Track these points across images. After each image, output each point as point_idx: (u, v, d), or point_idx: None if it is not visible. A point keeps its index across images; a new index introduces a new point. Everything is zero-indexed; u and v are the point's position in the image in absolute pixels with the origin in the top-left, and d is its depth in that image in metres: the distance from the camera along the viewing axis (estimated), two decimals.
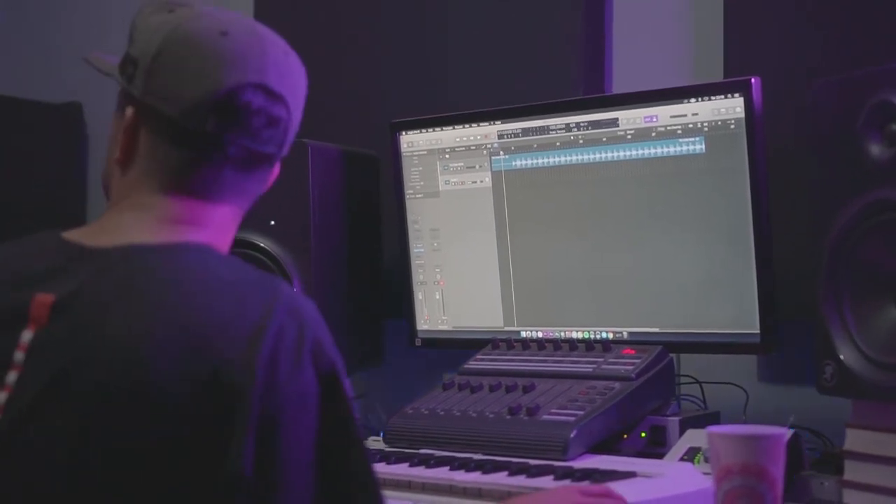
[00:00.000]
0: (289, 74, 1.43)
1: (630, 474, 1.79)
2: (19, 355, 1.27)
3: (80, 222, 3.40)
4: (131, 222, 1.38)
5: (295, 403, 1.23)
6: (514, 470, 1.84)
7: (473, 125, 2.40)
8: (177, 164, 1.39)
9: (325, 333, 1.30)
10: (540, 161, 2.31)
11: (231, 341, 1.22)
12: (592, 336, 2.25)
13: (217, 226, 1.42)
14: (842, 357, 1.78)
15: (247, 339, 1.22)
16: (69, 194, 3.41)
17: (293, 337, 1.25)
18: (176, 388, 1.20)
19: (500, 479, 1.82)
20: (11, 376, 1.26)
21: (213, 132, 1.37)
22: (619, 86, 2.51)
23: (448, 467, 1.91)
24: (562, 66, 2.50)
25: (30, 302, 1.28)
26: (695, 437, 1.96)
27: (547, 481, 1.79)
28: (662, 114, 2.15)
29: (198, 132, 1.37)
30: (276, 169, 1.49)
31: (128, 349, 1.22)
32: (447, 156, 2.44)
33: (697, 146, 2.11)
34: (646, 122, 2.17)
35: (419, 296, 2.51)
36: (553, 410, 2.01)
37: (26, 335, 1.27)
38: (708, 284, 2.13)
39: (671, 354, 2.14)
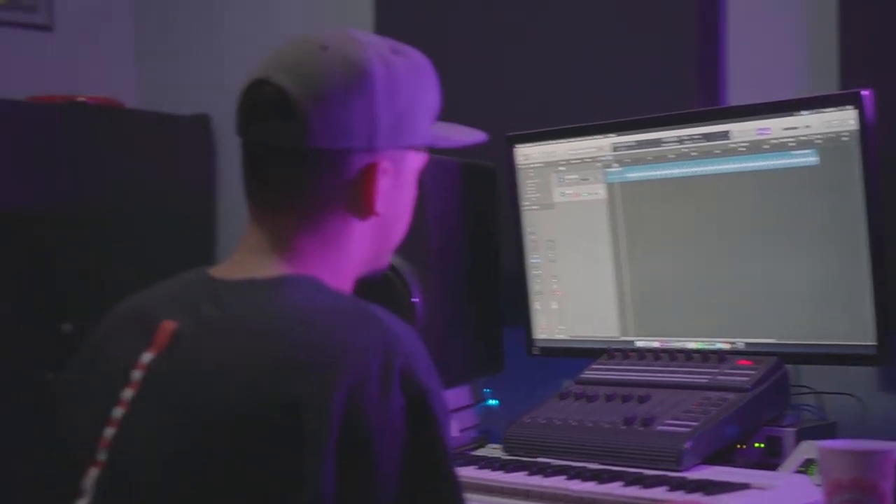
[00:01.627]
0: (310, 66, 1.41)
1: (744, 486, 1.81)
2: (137, 374, 1.36)
3: (208, 233, 3.53)
4: (244, 255, 1.46)
5: (383, 431, 1.26)
6: (629, 481, 1.88)
7: (588, 138, 2.43)
8: (248, 186, 1.48)
9: (421, 361, 1.32)
10: (653, 173, 2.33)
11: (311, 371, 1.26)
12: (708, 347, 2.27)
13: (299, 241, 1.44)
14: None
15: (327, 368, 1.26)
16: (198, 205, 3.51)
17: (380, 365, 1.27)
18: (259, 416, 1.25)
19: (616, 489, 1.86)
20: (128, 393, 1.36)
21: (240, 135, 1.46)
22: (734, 96, 2.52)
23: (564, 476, 1.95)
24: (676, 78, 2.51)
25: (158, 327, 1.38)
26: (811, 449, 1.97)
27: (661, 492, 1.83)
28: (775, 126, 2.16)
29: (243, 143, 1.46)
30: (358, 160, 1.44)
31: (218, 380, 1.29)
32: (562, 168, 2.48)
33: (810, 158, 2.12)
34: (759, 134, 2.18)
35: (536, 305, 2.55)
36: (668, 421, 2.04)
37: (146, 356, 1.37)
38: (823, 296, 2.13)
39: (787, 365, 2.15)
